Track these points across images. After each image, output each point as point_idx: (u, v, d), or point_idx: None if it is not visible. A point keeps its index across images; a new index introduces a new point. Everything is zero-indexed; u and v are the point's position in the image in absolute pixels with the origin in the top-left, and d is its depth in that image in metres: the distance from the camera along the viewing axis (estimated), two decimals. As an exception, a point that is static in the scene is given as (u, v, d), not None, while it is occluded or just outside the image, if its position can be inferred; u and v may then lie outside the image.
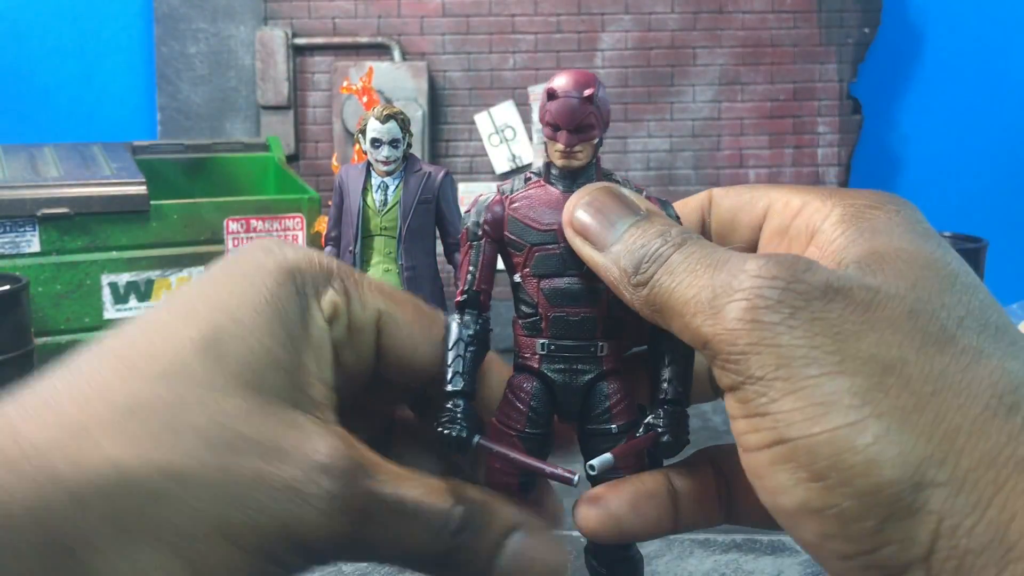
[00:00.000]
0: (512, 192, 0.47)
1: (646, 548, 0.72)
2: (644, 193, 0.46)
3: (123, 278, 1.05)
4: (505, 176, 1.40)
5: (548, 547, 0.36)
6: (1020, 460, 0.28)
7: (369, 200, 0.78)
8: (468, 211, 0.48)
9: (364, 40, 1.39)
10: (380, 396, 0.39)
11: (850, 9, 1.34)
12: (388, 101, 1.37)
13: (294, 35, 1.39)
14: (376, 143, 0.74)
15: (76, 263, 1.04)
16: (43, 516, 0.25)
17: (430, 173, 0.77)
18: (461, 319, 0.48)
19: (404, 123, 0.76)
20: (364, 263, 0.81)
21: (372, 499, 0.31)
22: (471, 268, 0.48)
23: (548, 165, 0.46)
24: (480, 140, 1.41)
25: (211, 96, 1.41)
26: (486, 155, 1.41)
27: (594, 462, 0.44)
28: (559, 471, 0.43)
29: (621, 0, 1.35)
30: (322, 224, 1.12)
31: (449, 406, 0.44)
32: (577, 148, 0.45)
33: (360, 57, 1.38)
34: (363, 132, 0.76)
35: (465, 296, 0.48)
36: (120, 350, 0.30)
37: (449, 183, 0.77)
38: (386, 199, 0.77)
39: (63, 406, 0.28)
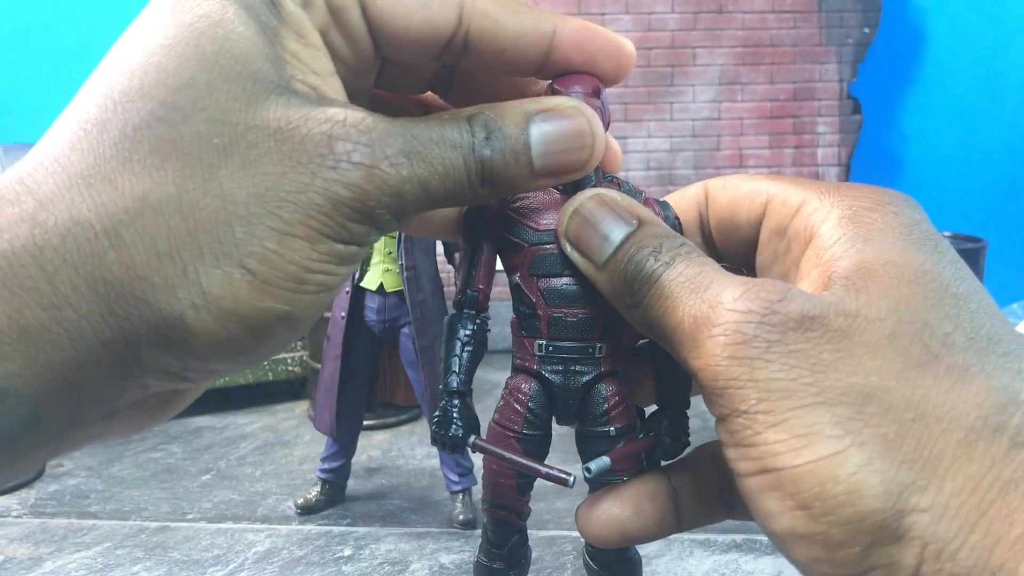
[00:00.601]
0: None
1: (646, 549, 0.72)
2: (644, 195, 0.45)
3: (123, 278, 1.05)
4: (505, 176, 1.40)
5: (569, 117, 0.35)
6: (1005, 483, 0.28)
7: (369, 200, 0.78)
8: (467, 210, 0.48)
9: (364, 40, 1.39)
10: (397, 83, 0.37)
11: (850, 9, 1.35)
12: (388, 101, 1.38)
13: (294, 35, 1.40)
14: (376, 143, 0.75)
15: (76, 263, 1.04)
16: (76, 259, 0.25)
17: (430, 173, 0.77)
18: (459, 318, 0.48)
19: (404, 123, 0.76)
20: (364, 263, 0.81)
21: (400, 138, 0.30)
22: (471, 269, 0.48)
23: None
24: (480, 140, 1.41)
25: (211, 96, 1.41)
26: (486, 155, 1.41)
27: (590, 465, 0.43)
28: (555, 472, 0.43)
29: (621, 0, 1.35)
30: (322, 224, 1.13)
31: (444, 405, 0.45)
32: None
33: (360, 57, 1.39)
34: (363, 132, 0.76)
35: (463, 296, 0.48)
36: (102, 89, 0.29)
37: (449, 183, 0.77)
38: (386, 199, 0.77)
39: (66, 154, 0.27)
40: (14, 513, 0.83)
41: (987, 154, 1.52)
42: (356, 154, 0.29)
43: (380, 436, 1.28)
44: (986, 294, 0.34)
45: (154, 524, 0.80)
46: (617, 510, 0.42)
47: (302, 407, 1.47)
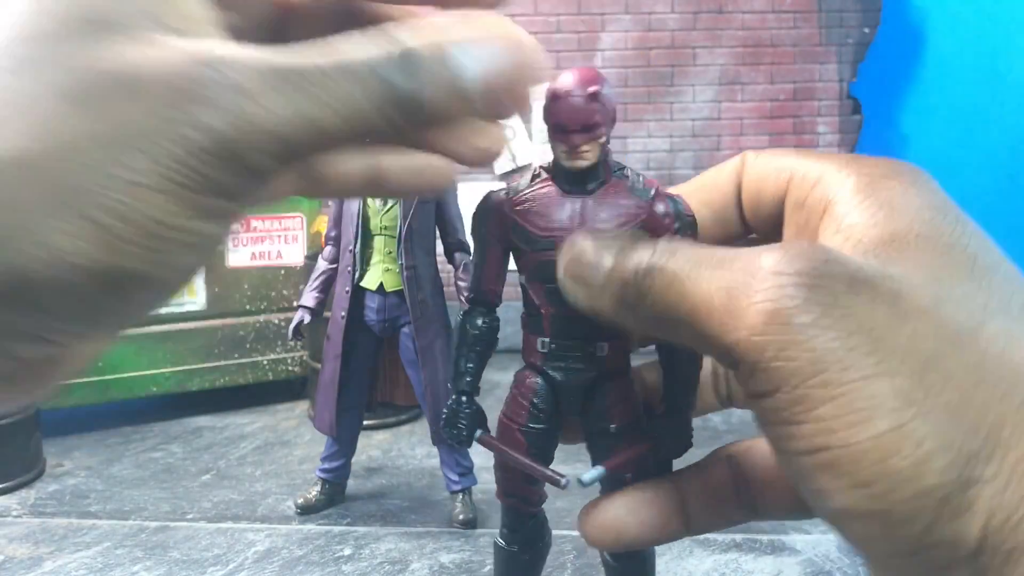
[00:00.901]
0: (518, 192, 0.46)
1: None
2: (654, 188, 0.45)
3: (123, 278, 1.05)
4: (506, 176, 1.39)
5: (496, 32, 0.30)
6: None
7: (369, 200, 0.78)
8: (476, 210, 0.47)
9: (364, 40, 1.39)
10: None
11: (850, 9, 1.34)
12: (388, 101, 1.37)
13: (294, 35, 1.40)
14: (376, 143, 0.74)
15: (76, 263, 1.04)
16: None
17: (430, 173, 0.77)
18: (470, 320, 0.48)
19: (404, 123, 0.76)
20: (364, 262, 0.81)
21: (279, 74, 0.26)
22: (478, 268, 0.48)
23: (555, 164, 0.46)
24: (480, 140, 1.41)
25: (211, 96, 1.41)
26: (486, 155, 1.41)
27: (583, 477, 0.43)
28: (548, 473, 0.44)
29: (621, 0, 1.35)
30: (322, 224, 1.13)
31: (452, 405, 0.46)
32: (584, 148, 0.45)
33: (360, 57, 1.39)
34: (363, 132, 0.76)
35: (474, 295, 0.48)
36: None
37: (449, 183, 0.76)
38: (386, 199, 0.77)
39: None
40: (14, 513, 0.83)
41: (987, 154, 1.52)
42: (217, 96, 0.26)
43: (380, 436, 1.27)
44: (1010, 264, 0.34)
45: (154, 524, 0.80)
46: (612, 514, 0.42)
47: (302, 407, 1.46)
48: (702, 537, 0.70)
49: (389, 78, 0.27)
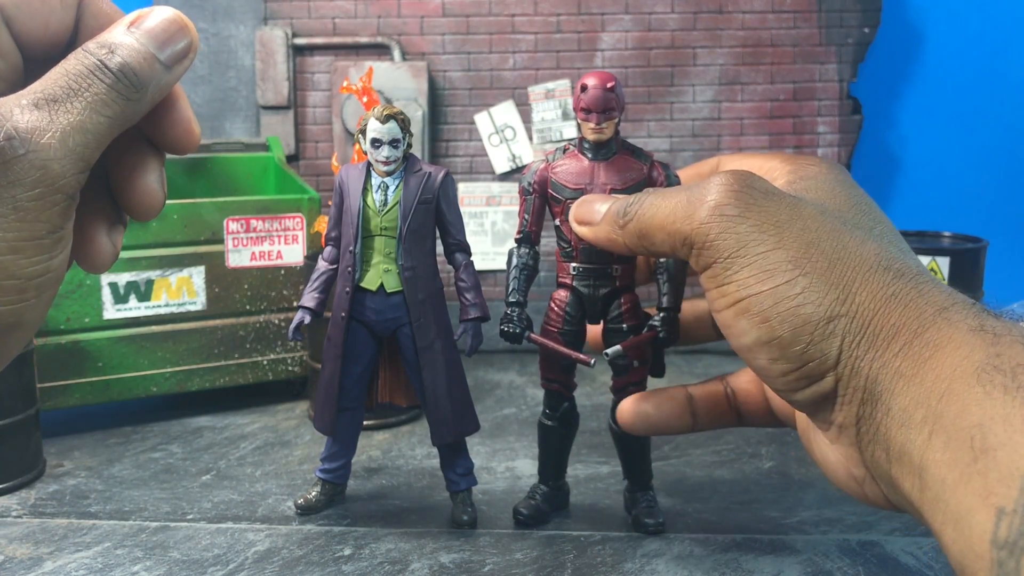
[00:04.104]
0: (554, 160, 0.68)
1: (647, 547, 0.72)
2: (652, 158, 0.66)
3: (123, 278, 1.05)
4: (505, 176, 1.40)
5: (157, 13, 0.38)
6: (890, 296, 0.42)
7: (369, 200, 0.78)
8: (524, 173, 0.69)
9: (364, 40, 1.39)
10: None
11: (850, 9, 1.34)
12: (388, 101, 1.37)
13: (294, 35, 1.39)
14: (376, 143, 0.74)
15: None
16: None
17: (430, 173, 0.77)
18: (518, 251, 0.70)
19: (404, 123, 0.76)
20: (364, 263, 0.82)
21: (30, 109, 0.31)
22: (526, 215, 0.70)
23: (581, 140, 0.67)
24: (480, 140, 1.41)
25: (211, 96, 1.41)
26: (486, 155, 1.41)
27: (607, 351, 0.65)
28: (580, 356, 0.66)
29: (621, 0, 1.35)
30: (322, 224, 1.12)
31: (508, 312, 0.69)
32: (604, 125, 0.65)
33: (360, 57, 1.38)
34: (363, 132, 0.76)
35: (521, 235, 0.70)
36: None
37: (449, 183, 0.77)
38: (386, 199, 0.77)
39: None
40: (14, 513, 0.83)
41: (987, 154, 1.52)
42: (14, 149, 0.30)
43: (380, 436, 1.28)
44: (882, 214, 0.50)
45: (154, 524, 0.80)
46: (643, 407, 0.62)
47: (302, 407, 1.45)
48: (702, 536, 0.71)
49: (109, 62, 0.33)
